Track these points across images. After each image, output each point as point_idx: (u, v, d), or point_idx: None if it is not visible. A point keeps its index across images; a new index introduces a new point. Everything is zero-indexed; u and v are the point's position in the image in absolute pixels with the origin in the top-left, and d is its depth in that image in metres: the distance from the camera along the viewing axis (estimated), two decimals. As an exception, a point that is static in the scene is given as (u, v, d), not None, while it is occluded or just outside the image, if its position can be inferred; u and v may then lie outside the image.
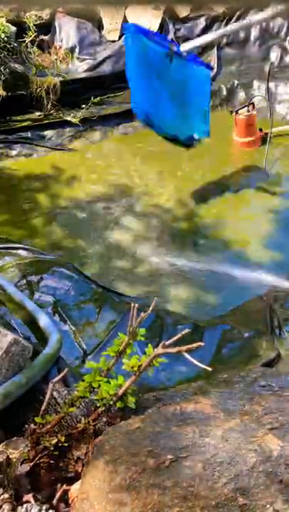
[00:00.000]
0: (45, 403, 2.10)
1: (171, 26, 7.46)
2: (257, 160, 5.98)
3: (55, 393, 2.39)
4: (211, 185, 5.65)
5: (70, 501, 1.87)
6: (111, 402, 2.08)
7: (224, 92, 6.98)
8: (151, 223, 5.09)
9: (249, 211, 5.45)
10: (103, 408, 2.08)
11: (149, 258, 4.60)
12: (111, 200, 5.43)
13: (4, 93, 6.26)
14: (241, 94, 6.97)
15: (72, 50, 7.32)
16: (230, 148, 6.29)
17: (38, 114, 6.64)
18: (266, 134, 6.12)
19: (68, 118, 6.47)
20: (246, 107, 6.11)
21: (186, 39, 7.47)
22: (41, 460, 1.94)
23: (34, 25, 6.71)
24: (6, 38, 6.45)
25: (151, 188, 5.61)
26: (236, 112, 6.10)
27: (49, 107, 6.62)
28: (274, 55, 7.31)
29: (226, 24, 7.48)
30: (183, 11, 7.52)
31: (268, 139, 6.00)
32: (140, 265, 4.54)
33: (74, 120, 6.42)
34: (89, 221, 5.15)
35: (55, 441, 1.95)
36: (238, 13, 7.48)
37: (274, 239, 4.84)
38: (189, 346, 1.94)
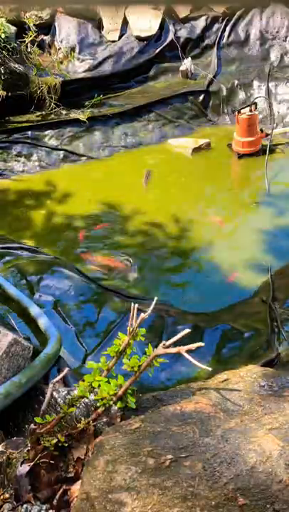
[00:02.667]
0: (45, 403, 2.11)
1: (171, 26, 7.46)
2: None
3: (55, 393, 2.40)
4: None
5: (70, 501, 1.87)
6: (111, 402, 2.08)
7: (224, 92, 6.98)
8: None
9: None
10: (103, 408, 2.08)
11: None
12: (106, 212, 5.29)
13: (4, 93, 6.26)
14: (241, 95, 6.98)
15: (72, 50, 7.32)
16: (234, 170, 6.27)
17: (38, 114, 6.64)
18: (267, 135, 6.12)
19: (75, 116, 6.47)
20: (248, 107, 6.12)
21: (186, 39, 7.48)
22: (41, 460, 1.93)
23: (34, 25, 6.71)
24: (6, 38, 6.45)
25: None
26: (238, 112, 6.11)
27: (49, 107, 6.62)
28: (274, 55, 7.32)
29: (226, 24, 7.48)
30: (183, 11, 7.52)
31: (268, 147, 5.99)
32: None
33: (82, 117, 6.41)
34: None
35: (55, 441, 1.95)
36: (238, 13, 7.50)
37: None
38: (189, 346, 1.95)
